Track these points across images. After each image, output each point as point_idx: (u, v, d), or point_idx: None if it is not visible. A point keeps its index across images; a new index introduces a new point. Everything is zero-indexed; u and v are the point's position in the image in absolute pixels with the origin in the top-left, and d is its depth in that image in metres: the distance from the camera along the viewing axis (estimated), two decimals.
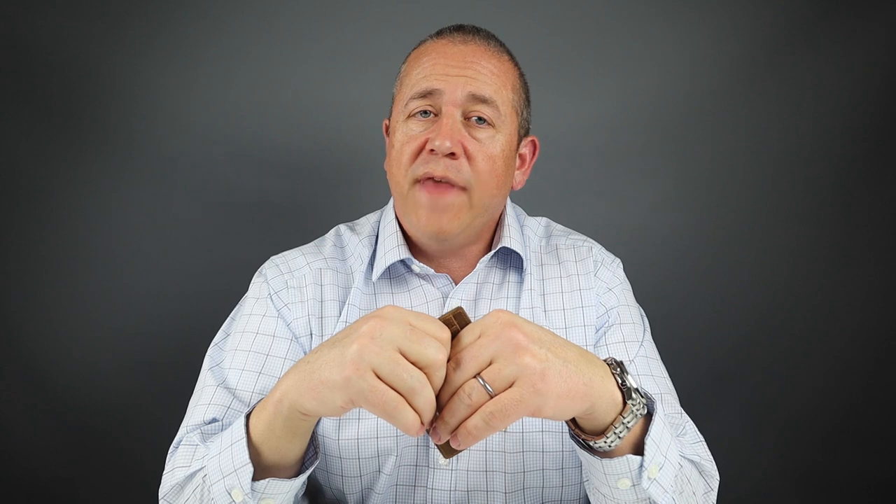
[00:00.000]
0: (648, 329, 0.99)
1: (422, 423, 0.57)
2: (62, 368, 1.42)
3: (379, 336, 0.57)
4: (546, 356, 0.60)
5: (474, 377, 0.59)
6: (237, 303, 1.00)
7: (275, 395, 0.64)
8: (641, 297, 1.07)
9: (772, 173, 1.49)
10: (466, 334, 0.61)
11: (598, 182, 1.51)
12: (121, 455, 1.43)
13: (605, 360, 0.68)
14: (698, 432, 0.88)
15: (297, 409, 0.62)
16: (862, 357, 1.50)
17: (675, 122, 1.49)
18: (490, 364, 0.59)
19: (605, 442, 0.66)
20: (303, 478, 0.70)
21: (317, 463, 0.72)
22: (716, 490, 0.80)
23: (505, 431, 0.90)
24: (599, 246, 1.04)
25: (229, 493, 0.66)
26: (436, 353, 0.57)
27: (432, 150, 0.86)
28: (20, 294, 1.41)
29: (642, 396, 0.67)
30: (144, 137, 1.43)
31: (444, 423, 0.60)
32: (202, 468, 0.71)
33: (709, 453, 0.85)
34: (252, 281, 0.98)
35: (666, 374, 0.95)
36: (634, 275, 1.10)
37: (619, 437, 0.66)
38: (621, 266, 1.03)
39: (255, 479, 0.66)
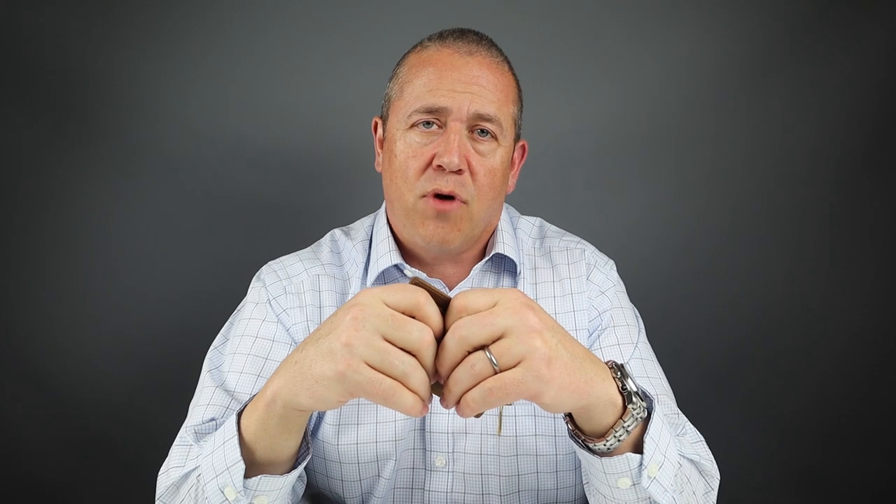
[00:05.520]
0: (643, 330, 0.99)
1: (423, 402, 0.58)
2: (62, 369, 1.42)
3: (363, 326, 0.57)
4: (556, 345, 0.60)
5: (482, 349, 0.59)
6: (236, 303, 1.00)
7: (265, 394, 0.64)
8: (639, 297, 1.07)
9: (771, 173, 1.49)
10: (480, 299, 0.60)
11: (596, 182, 1.51)
12: (121, 455, 1.43)
13: (605, 363, 0.68)
14: (698, 432, 0.87)
15: (292, 406, 0.62)
16: (862, 357, 1.50)
17: (673, 123, 1.48)
18: (501, 338, 0.58)
19: (605, 444, 0.67)
20: (294, 474, 0.70)
21: (308, 459, 0.72)
22: (716, 490, 0.80)
23: (499, 435, 0.90)
24: (592, 248, 1.04)
25: (222, 492, 0.67)
26: (420, 335, 0.58)
27: (440, 167, 0.87)
28: (20, 294, 1.41)
29: (642, 399, 0.67)
30: (144, 137, 1.43)
31: (449, 392, 0.60)
32: (196, 468, 0.71)
33: (709, 452, 0.85)
34: (250, 286, 0.99)
35: (662, 375, 0.95)
36: (632, 275, 1.09)
37: (619, 441, 0.67)
38: (615, 267, 1.03)
39: (247, 476, 0.67)
